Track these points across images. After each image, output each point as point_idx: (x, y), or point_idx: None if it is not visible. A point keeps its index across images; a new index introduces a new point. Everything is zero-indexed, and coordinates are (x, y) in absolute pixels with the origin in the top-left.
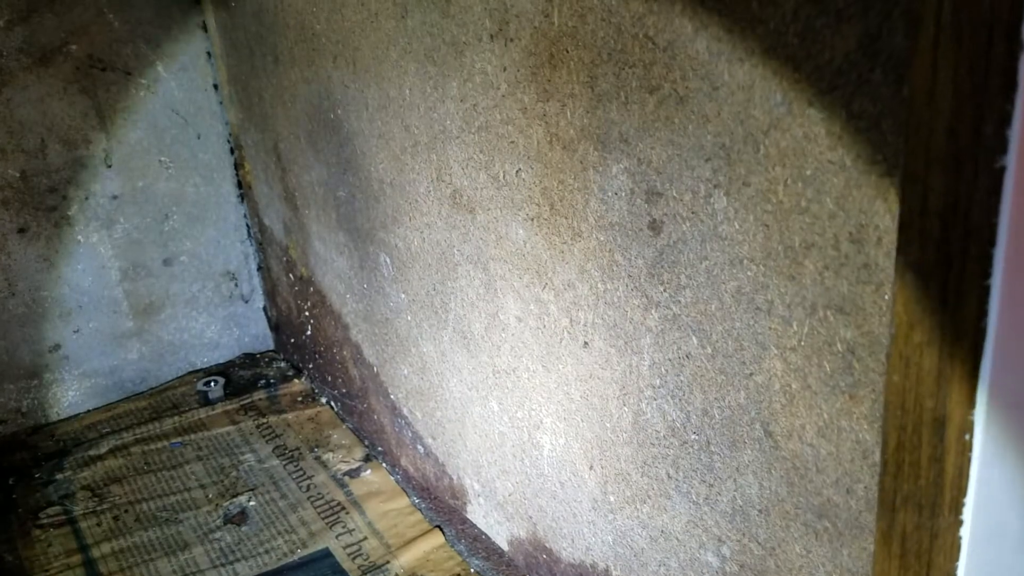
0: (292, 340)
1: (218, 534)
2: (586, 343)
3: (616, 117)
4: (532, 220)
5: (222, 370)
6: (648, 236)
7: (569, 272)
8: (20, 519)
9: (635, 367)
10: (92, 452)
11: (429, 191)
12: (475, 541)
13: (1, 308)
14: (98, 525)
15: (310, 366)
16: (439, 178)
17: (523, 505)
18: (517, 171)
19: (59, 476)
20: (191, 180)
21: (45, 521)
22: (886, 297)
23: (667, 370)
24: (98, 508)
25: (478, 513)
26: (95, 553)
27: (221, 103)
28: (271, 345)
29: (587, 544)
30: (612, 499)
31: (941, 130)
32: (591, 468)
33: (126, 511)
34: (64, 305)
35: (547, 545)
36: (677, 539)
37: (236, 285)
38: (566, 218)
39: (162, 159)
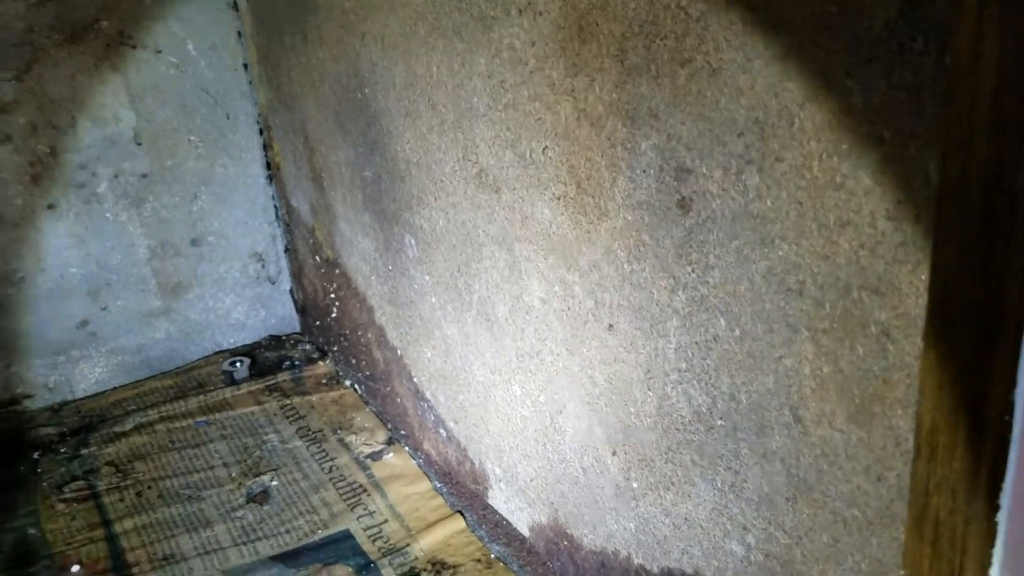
0: (317, 322)
1: (240, 512)
2: (611, 325)
3: (646, 91)
4: (558, 199)
5: (248, 351)
6: (677, 215)
7: (595, 252)
8: (44, 493)
9: (661, 350)
10: (117, 428)
11: (455, 171)
12: (496, 526)
13: (30, 284)
14: (121, 501)
15: (335, 348)
16: (465, 157)
17: (545, 491)
18: (544, 149)
19: (84, 451)
20: (220, 160)
21: (69, 495)
22: (923, 277)
23: (693, 353)
24: (122, 484)
25: (499, 498)
26: (118, 528)
27: (251, 83)
28: (297, 327)
29: (609, 531)
30: (635, 485)
31: (986, 97)
32: (614, 454)
33: (149, 487)
34: (93, 282)
35: (568, 531)
36: (701, 527)
37: (263, 266)
38: (593, 197)
39: (191, 138)
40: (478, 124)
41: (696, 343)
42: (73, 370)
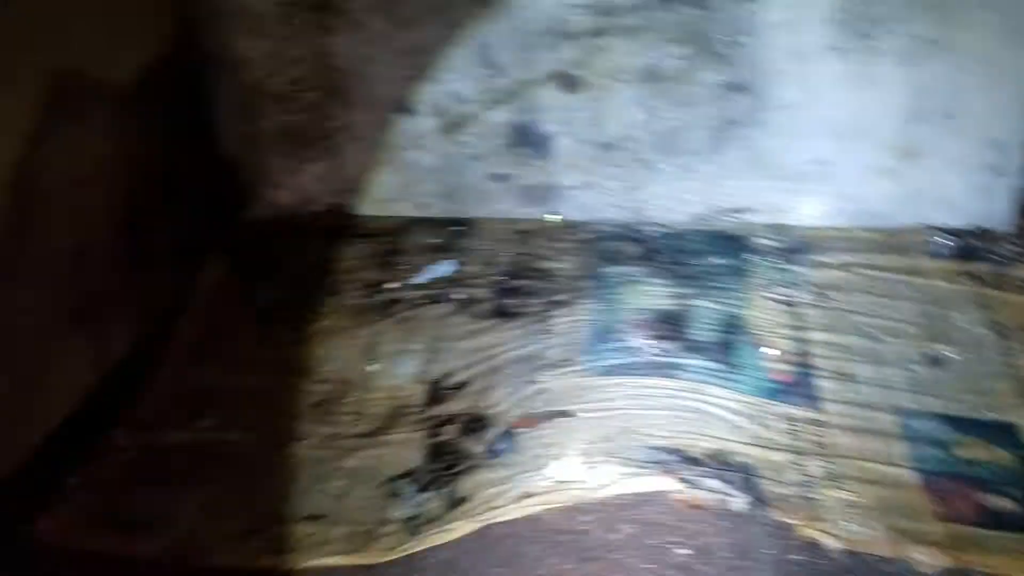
0: None
1: (915, 367)
2: None
3: None
4: None
5: (954, 232)
6: None
7: None
8: (753, 288)
9: None
10: (824, 259)
11: None
12: None
13: (796, 114)
14: (814, 316)
15: None
16: None
17: None
18: None
19: (792, 267)
20: (995, 40)
21: (772, 296)
22: None
23: None
24: (817, 303)
25: None
26: (807, 336)
27: None
28: (1010, 226)
29: None
30: None
31: None
32: None
33: (840, 315)
34: (844, 126)
35: None
36: None
37: (997, 156)
38: None
39: (983, 16)
40: None
41: None
42: (798, 199)
